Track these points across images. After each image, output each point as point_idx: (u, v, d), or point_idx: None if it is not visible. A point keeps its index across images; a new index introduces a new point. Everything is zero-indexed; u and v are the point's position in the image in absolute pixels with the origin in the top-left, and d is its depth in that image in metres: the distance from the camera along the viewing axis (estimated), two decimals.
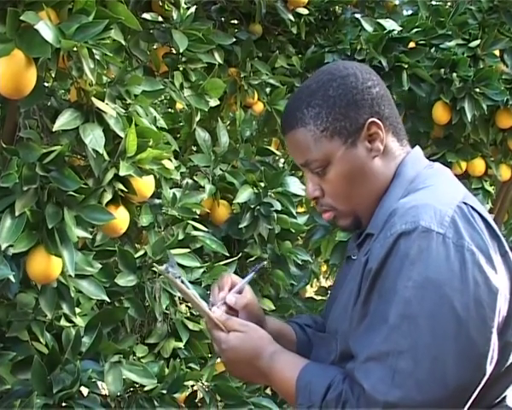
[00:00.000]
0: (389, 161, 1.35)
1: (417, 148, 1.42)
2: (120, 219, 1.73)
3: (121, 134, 1.65)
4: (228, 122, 3.33)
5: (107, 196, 1.66)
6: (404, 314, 1.15)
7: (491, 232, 1.23)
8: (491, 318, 1.16)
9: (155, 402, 2.01)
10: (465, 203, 1.23)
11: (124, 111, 1.75)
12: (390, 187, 1.34)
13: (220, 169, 2.55)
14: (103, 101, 1.66)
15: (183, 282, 1.47)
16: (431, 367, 1.13)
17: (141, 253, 2.10)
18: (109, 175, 1.64)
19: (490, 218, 1.27)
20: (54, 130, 1.59)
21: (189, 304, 2.11)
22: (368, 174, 1.34)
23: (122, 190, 1.69)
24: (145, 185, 1.71)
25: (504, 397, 1.27)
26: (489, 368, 1.17)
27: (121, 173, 1.61)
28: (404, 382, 1.13)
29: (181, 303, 2.23)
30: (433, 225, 1.17)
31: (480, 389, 1.17)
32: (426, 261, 1.16)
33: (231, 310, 1.42)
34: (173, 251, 2.09)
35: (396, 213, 1.22)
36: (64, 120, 1.60)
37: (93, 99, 1.63)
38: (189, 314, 2.23)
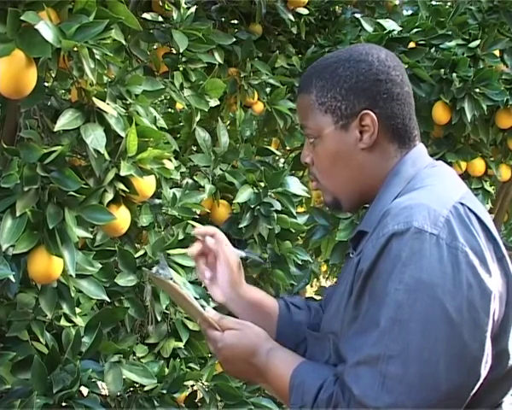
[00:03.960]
0: (381, 160, 1.33)
1: (421, 145, 1.38)
2: (122, 218, 1.72)
3: (122, 134, 1.64)
4: (228, 122, 3.33)
5: (109, 196, 1.65)
6: (395, 318, 1.12)
7: (487, 235, 1.20)
8: (485, 321, 1.13)
9: (155, 402, 2.01)
10: (462, 204, 1.20)
11: (124, 111, 1.75)
12: (387, 185, 1.31)
13: (220, 169, 2.55)
14: (104, 101, 1.66)
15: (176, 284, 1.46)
16: (422, 372, 1.10)
17: (141, 253, 2.10)
18: (110, 175, 1.63)
19: (488, 220, 1.23)
20: (55, 130, 1.59)
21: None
22: (351, 163, 1.33)
23: (123, 190, 1.69)
24: (146, 185, 1.71)
25: (500, 404, 1.24)
26: (483, 372, 1.14)
27: (122, 173, 1.61)
28: (394, 387, 1.11)
29: None
30: (426, 225, 1.14)
31: (476, 394, 1.15)
32: (418, 263, 1.12)
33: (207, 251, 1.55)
34: (173, 251, 2.09)
35: (389, 213, 1.19)
36: (65, 120, 1.60)
37: (94, 99, 1.63)
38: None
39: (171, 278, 1.45)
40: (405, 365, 1.11)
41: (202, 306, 1.45)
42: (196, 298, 2.12)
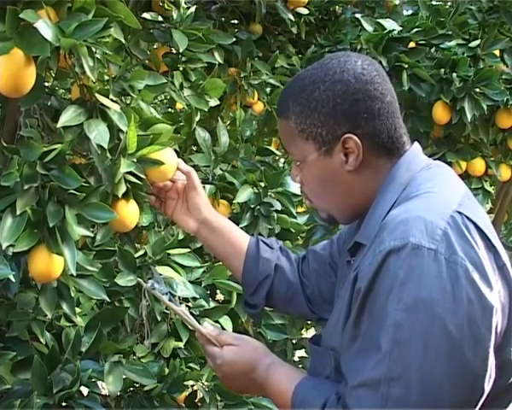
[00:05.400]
0: (370, 175, 1.30)
1: (414, 146, 1.34)
2: (131, 213, 1.70)
3: (125, 129, 1.64)
4: (228, 122, 3.33)
5: (121, 189, 1.64)
6: (395, 339, 1.10)
7: (487, 244, 1.17)
8: (487, 336, 1.11)
9: (155, 402, 2.01)
10: (459, 212, 1.17)
11: (126, 106, 1.74)
12: (383, 191, 1.29)
13: (220, 169, 2.54)
14: (106, 97, 1.65)
15: (170, 299, 1.46)
16: (424, 392, 1.08)
17: (141, 253, 2.10)
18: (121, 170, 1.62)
19: (487, 226, 1.20)
20: (58, 126, 1.58)
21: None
22: (340, 185, 1.31)
23: (133, 183, 1.67)
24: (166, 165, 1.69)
25: None
26: (487, 387, 1.12)
27: (122, 170, 1.60)
28: (396, 409, 1.09)
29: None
30: (423, 240, 1.11)
31: (480, 408, 1.13)
32: (417, 281, 1.10)
33: None
34: (173, 251, 2.09)
35: (386, 228, 1.16)
36: (68, 117, 1.58)
37: (97, 95, 1.63)
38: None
39: (167, 293, 1.46)
40: (407, 386, 1.09)
41: (197, 319, 1.45)
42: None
